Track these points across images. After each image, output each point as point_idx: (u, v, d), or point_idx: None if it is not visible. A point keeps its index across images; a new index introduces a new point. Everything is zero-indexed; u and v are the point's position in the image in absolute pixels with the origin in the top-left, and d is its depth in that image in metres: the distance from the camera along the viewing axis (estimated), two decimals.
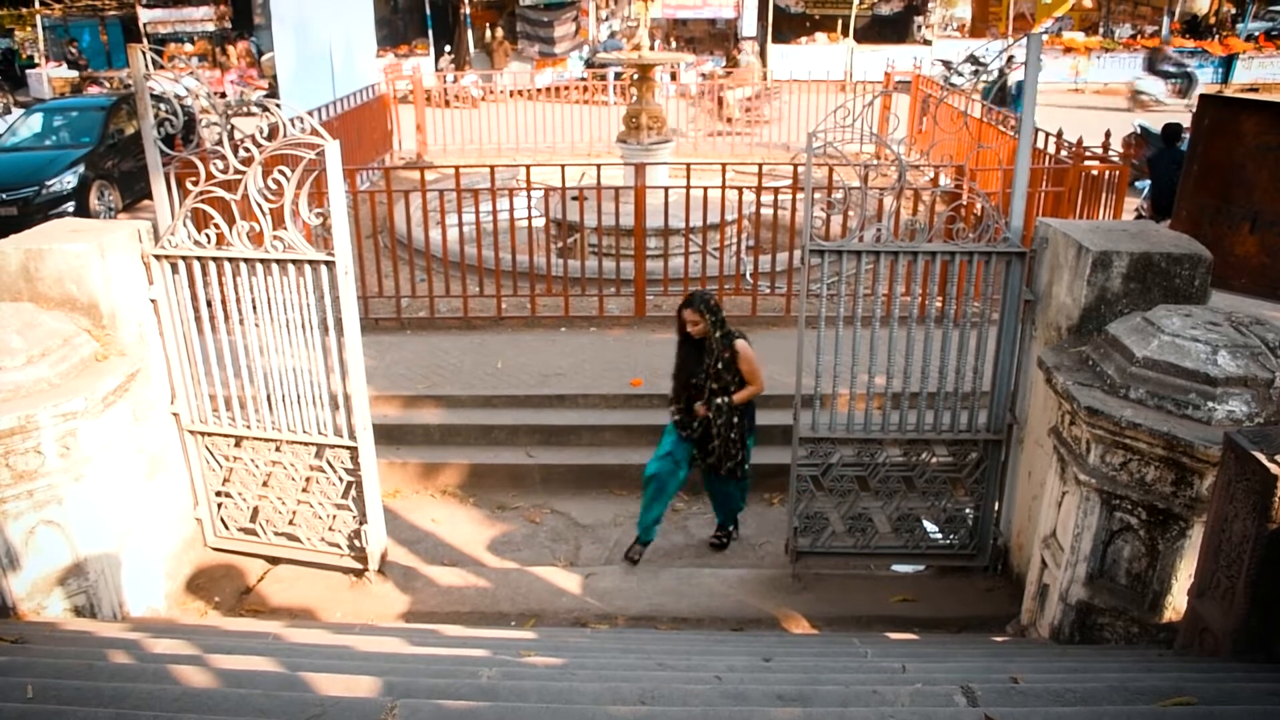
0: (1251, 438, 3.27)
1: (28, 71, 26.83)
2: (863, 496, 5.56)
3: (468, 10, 27.76)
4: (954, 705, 2.68)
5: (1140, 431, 3.91)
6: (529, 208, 10.05)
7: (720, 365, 5.55)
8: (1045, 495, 4.74)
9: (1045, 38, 25.27)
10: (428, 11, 27.41)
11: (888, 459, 5.49)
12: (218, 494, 5.67)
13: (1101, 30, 29.31)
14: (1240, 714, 2.68)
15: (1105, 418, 4.02)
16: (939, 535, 5.68)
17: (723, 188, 8.81)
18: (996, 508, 5.56)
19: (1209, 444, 3.70)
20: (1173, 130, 11.31)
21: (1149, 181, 11.54)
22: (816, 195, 6.56)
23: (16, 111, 18.09)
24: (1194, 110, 5.71)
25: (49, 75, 25.63)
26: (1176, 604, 4.01)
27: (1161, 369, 4.03)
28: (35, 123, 14.74)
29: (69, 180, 13.11)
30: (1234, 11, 29.34)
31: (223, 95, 21.33)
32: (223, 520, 5.75)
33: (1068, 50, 27.01)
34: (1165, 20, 27.48)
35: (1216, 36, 27.63)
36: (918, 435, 5.43)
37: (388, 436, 6.89)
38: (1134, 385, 4.07)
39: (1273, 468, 3.07)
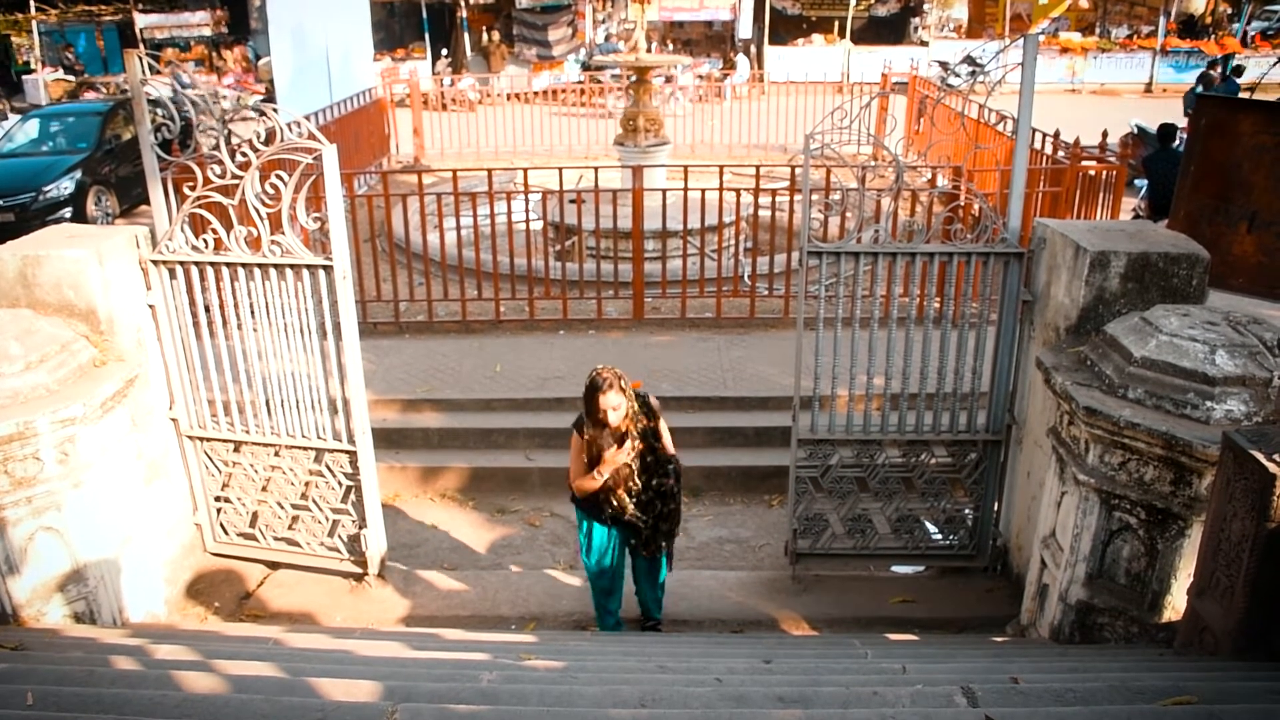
0: (1250, 437, 3.28)
1: (24, 77, 26.78)
2: (862, 498, 5.55)
3: (464, 14, 27.79)
4: (954, 706, 2.68)
5: (1139, 431, 3.92)
6: (527, 211, 10.06)
7: (648, 436, 4.73)
8: (1044, 495, 4.74)
9: (1042, 38, 25.32)
10: (424, 15, 27.45)
11: (887, 460, 5.49)
12: (217, 499, 5.67)
13: (1098, 31, 29.36)
14: (1241, 712, 2.68)
15: (1104, 417, 4.02)
16: (939, 536, 5.68)
17: (720, 190, 8.83)
18: (996, 508, 5.56)
19: (1207, 443, 3.70)
20: (1168, 130, 11.34)
21: (1146, 181, 11.57)
22: (814, 197, 6.56)
23: (13, 117, 18.07)
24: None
25: (45, 80, 25.58)
26: (1176, 603, 4.01)
27: (1160, 369, 4.03)
28: (32, 128, 14.74)
29: (66, 186, 13.12)
30: (1230, 11, 29.39)
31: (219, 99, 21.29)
32: (222, 525, 5.74)
33: (1064, 51, 27.06)
34: (1161, 20, 27.52)
35: (1213, 36, 27.69)
36: (917, 436, 5.43)
37: (387, 440, 6.89)
38: (1132, 385, 4.08)
39: (1271, 467, 3.07)
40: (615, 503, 4.71)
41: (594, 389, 4.51)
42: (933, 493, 5.52)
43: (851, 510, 5.57)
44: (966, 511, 5.60)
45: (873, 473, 5.49)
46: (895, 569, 5.82)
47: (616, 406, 4.50)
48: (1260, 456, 3.13)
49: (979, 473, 5.47)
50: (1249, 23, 28.64)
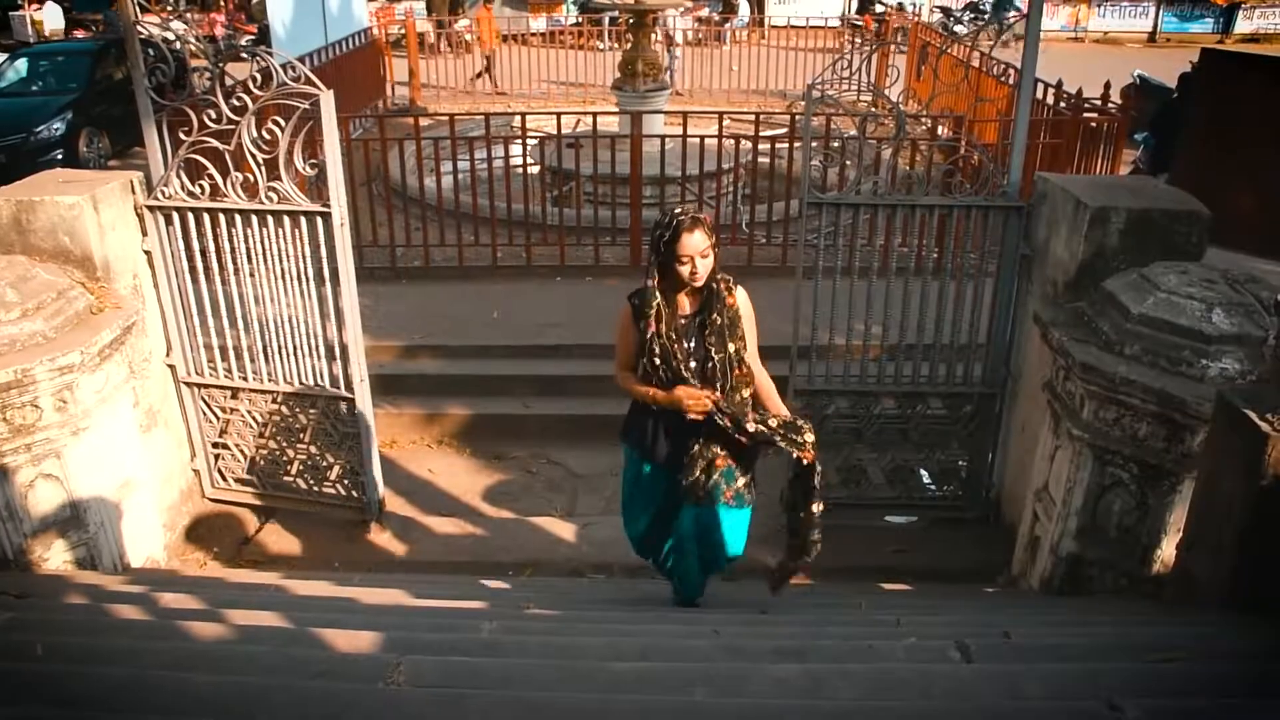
0: (1244, 396, 3.29)
1: (11, 14, 26.08)
2: (857, 448, 5.59)
3: None
4: (949, 661, 2.73)
5: (1134, 388, 3.94)
6: (524, 156, 9.95)
7: (725, 319, 3.72)
8: (1038, 449, 4.78)
9: None
10: None
11: (882, 411, 5.52)
12: (215, 445, 5.69)
13: None
14: (1227, 666, 2.74)
15: (1100, 373, 4.04)
16: (932, 487, 5.73)
17: (719, 136, 8.75)
18: (990, 460, 5.61)
19: (1201, 401, 3.72)
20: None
21: (1147, 133, 11.48)
22: (814, 145, 6.51)
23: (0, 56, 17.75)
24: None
25: (33, 18, 24.96)
26: (1165, 557, 4.07)
27: (1156, 326, 4.05)
28: (21, 67, 14.42)
29: (57, 127, 12.90)
30: None
31: (213, 40, 20.96)
32: (220, 471, 5.77)
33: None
34: None
35: None
36: (913, 388, 5.45)
37: (384, 387, 6.89)
38: (1129, 342, 4.09)
39: (1263, 426, 3.09)
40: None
41: (675, 229, 3.51)
42: (927, 444, 5.56)
43: (847, 461, 5.61)
44: (960, 463, 5.65)
45: (868, 423, 5.52)
46: (889, 519, 5.87)
47: (705, 254, 3.53)
48: (1253, 415, 3.15)
49: (974, 425, 5.51)
50: None
